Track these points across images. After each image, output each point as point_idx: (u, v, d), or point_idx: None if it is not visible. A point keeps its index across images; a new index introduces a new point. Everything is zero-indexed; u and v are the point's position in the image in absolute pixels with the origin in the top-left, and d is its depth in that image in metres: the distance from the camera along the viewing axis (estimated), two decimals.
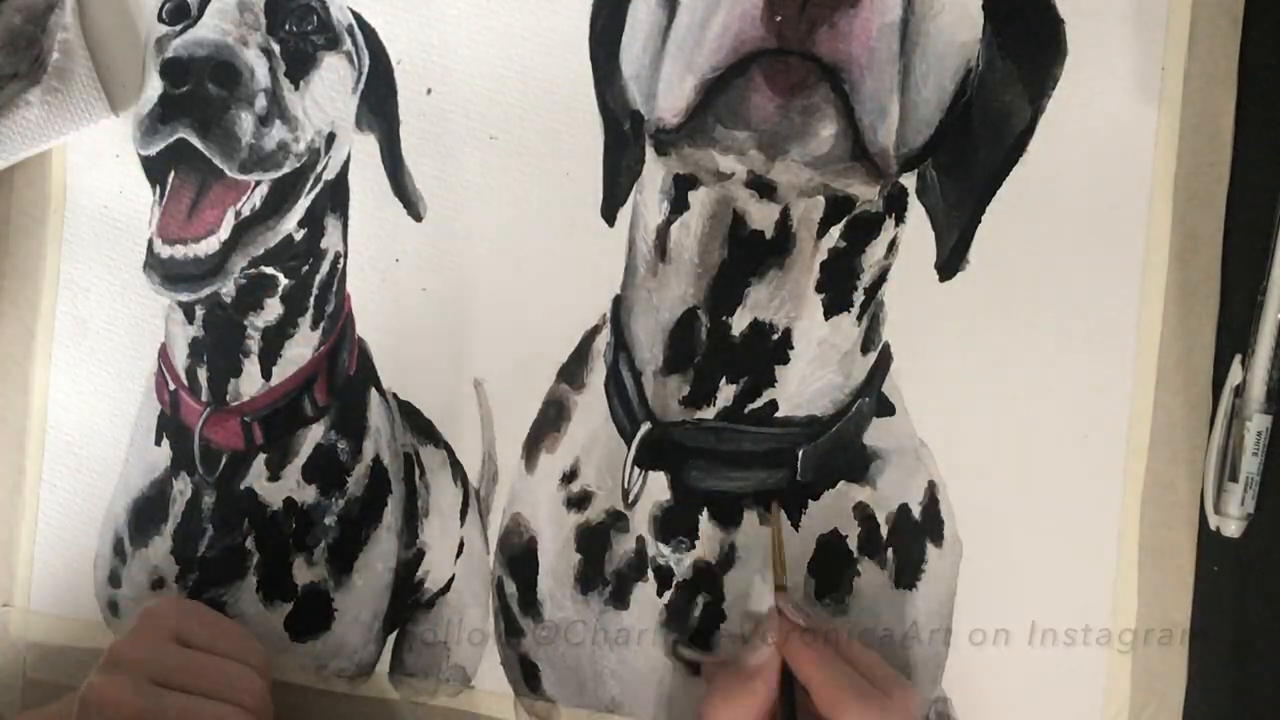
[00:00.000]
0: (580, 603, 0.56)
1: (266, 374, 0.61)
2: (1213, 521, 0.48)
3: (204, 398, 0.62)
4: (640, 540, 0.55)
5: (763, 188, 0.52)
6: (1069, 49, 0.50)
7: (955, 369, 0.52)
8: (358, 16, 0.60)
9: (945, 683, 0.52)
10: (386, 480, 0.60)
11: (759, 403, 0.53)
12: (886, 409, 0.53)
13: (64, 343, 0.66)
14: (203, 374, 0.62)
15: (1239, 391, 0.48)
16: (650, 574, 0.55)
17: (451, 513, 0.59)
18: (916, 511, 0.52)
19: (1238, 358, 0.48)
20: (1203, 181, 0.49)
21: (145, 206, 0.63)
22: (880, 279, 0.53)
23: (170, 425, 0.63)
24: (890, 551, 0.53)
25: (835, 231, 0.52)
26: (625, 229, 0.56)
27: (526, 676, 0.58)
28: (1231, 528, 0.48)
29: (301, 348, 0.61)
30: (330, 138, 0.60)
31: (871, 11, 0.49)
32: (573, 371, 0.57)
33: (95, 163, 0.65)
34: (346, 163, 0.61)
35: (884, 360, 0.53)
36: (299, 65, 0.60)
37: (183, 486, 0.63)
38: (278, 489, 0.61)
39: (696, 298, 0.54)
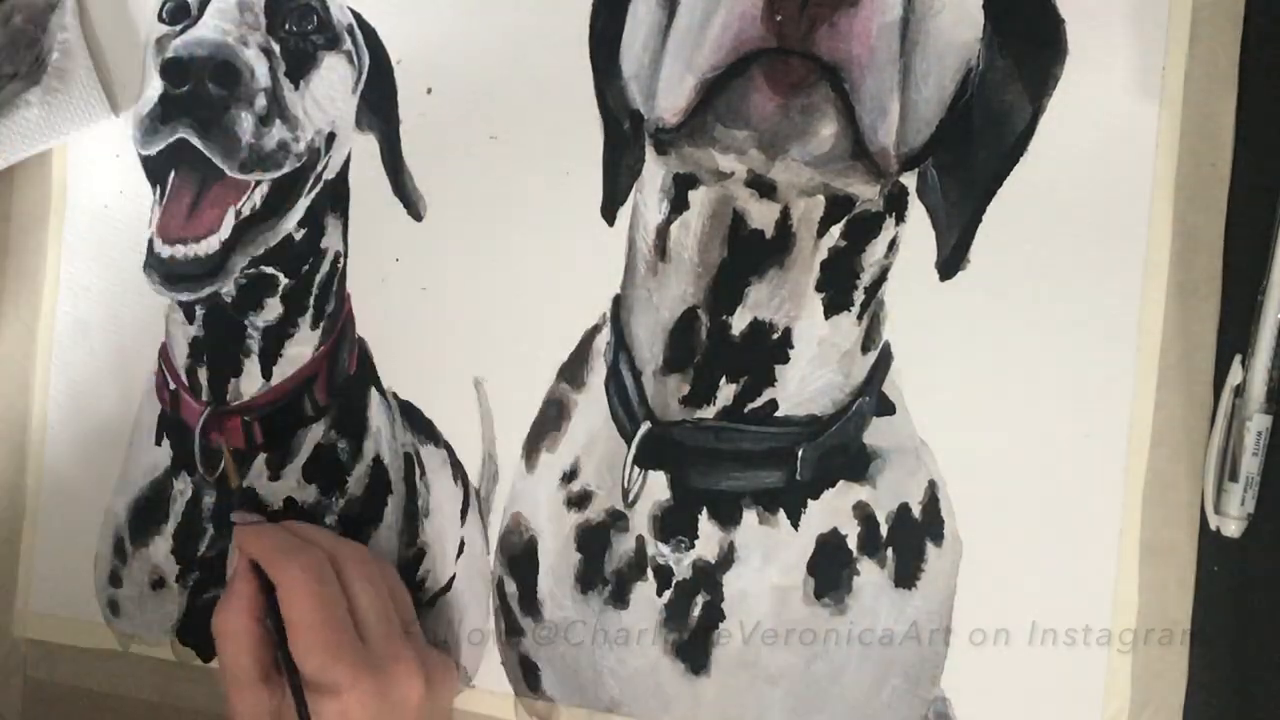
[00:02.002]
0: (580, 602, 0.56)
1: (267, 374, 0.62)
2: (1213, 521, 0.48)
3: (204, 397, 0.62)
4: (640, 540, 0.55)
5: (763, 187, 0.52)
6: (1069, 49, 0.50)
7: (955, 368, 0.52)
8: (358, 16, 0.60)
9: (945, 683, 0.52)
10: (387, 480, 0.60)
11: (759, 402, 0.53)
12: (886, 408, 0.53)
13: (64, 343, 0.66)
14: (203, 374, 0.62)
15: (1239, 391, 0.48)
16: (650, 573, 0.55)
17: (452, 512, 0.59)
18: (916, 511, 0.52)
19: (1238, 357, 0.48)
20: (1203, 181, 0.49)
21: (145, 206, 0.64)
22: (880, 278, 0.53)
23: (171, 425, 0.64)
24: (890, 551, 0.53)
25: (835, 231, 0.52)
26: (625, 229, 0.56)
27: (526, 676, 0.58)
28: (1231, 528, 0.48)
29: (301, 347, 0.61)
30: (330, 137, 0.60)
31: (871, 11, 0.49)
32: (573, 371, 0.57)
33: (95, 163, 0.65)
34: (346, 162, 0.61)
35: (884, 359, 0.53)
36: (299, 65, 0.60)
37: (183, 486, 0.63)
38: (278, 489, 0.61)
39: (696, 297, 0.54)
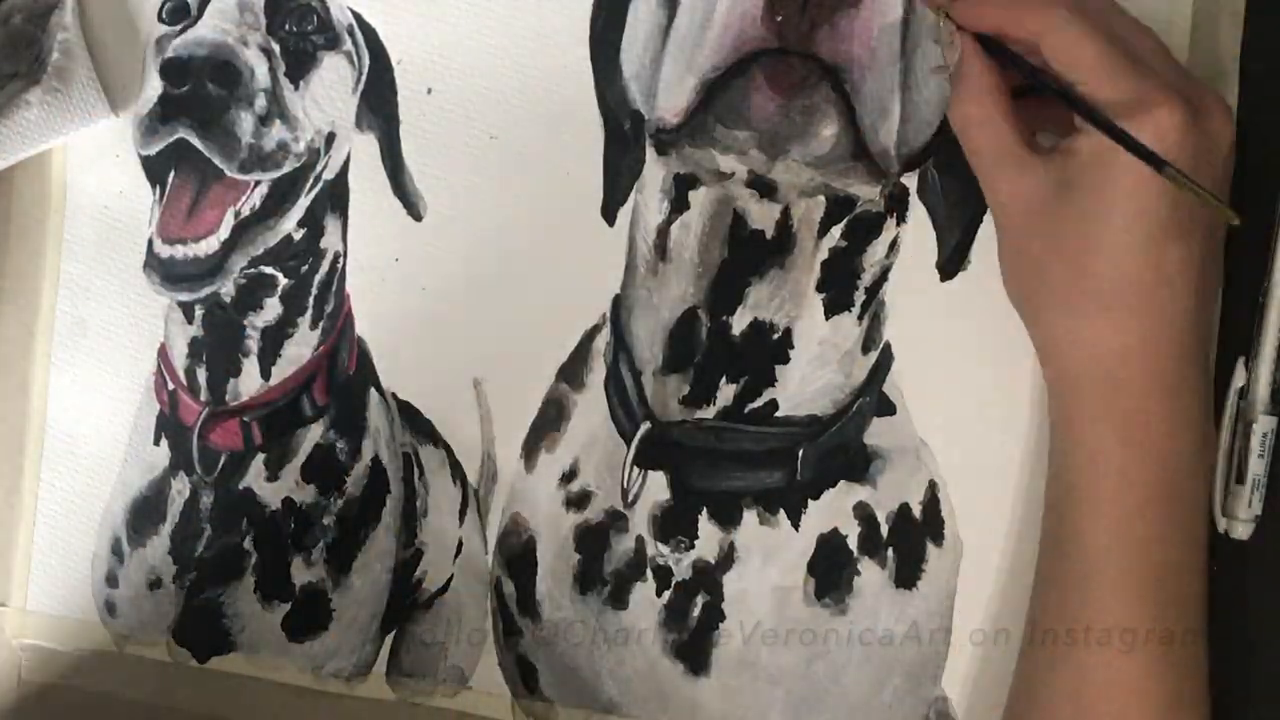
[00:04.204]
0: (579, 603, 0.56)
1: (266, 374, 0.61)
2: (1220, 524, 0.48)
3: (203, 397, 0.62)
4: (639, 540, 0.55)
5: (763, 187, 0.52)
6: None
7: (956, 369, 0.52)
8: (358, 16, 0.60)
9: (945, 683, 0.52)
10: (385, 480, 0.60)
11: (759, 402, 0.53)
12: (887, 408, 0.53)
13: (63, 343, 0.66)
14: (202, 374, 0.62)
15: (1243, 394, 0.48)
16: (649, 574, 0.55)
17: (450, 513, 0.59)
18: (917, 511, 0.52)
19: (1241, 360, 0.48)
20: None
21: (145, 206, 0.63)
22: (881, 278, 0.53)
23: (169, 425, 0.63)
24: (890, 551, 0.52)
25: (836, 231, 0.52)
26: (625, 229, 0.56)
27: (524, 677, 0.57)
28: (1239, 530, 0.48)
29: (301, 347, 0.61)
30: (330, 137, 0.60)
31: (872, 11, 0.49)
32: (572, 371, 0.57)
33: (95, 163, 0.65)
34: (346, 162, 0.61)
35: (885, 360, 0.53)
36: (299, 65, 0.60)
37: (181, 486, 0.63)
38: (276, 489, 0.61)
39: (696, 297, 0.54)
